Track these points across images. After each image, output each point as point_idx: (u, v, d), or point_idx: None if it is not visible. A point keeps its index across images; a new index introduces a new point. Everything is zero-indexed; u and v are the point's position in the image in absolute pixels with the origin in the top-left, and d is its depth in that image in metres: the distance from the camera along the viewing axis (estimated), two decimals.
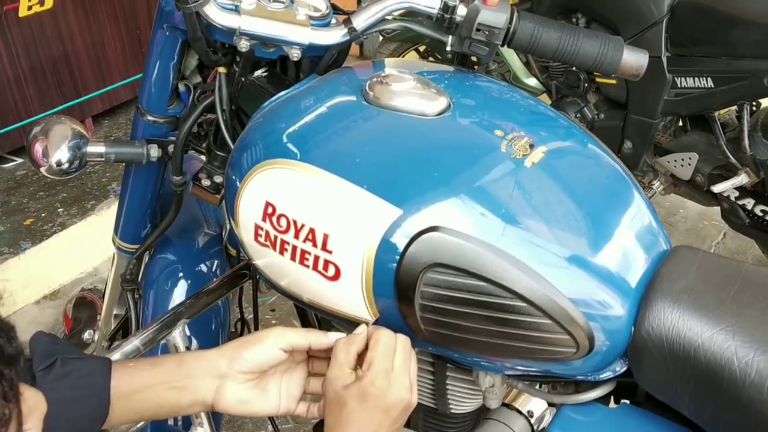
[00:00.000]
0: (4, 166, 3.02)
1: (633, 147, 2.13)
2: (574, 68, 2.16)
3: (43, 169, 0.97)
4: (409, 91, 0.81)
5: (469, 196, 0.72)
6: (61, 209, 2.79)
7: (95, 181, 2.95)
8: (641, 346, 0.72)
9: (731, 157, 1.93)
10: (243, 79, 0.94)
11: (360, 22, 0.88)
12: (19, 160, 3.03)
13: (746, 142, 1.87)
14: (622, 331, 0.73)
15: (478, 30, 0.84)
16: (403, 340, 0.73)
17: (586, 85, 2.17)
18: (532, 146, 0.77)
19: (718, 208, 2.14)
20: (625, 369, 0.77)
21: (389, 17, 0.90)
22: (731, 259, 0.79)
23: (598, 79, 2.16)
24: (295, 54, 0.86)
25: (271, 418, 1.24)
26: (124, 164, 1.13)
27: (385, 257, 0.71)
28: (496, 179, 0.74)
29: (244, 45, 0.85)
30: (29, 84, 2.89)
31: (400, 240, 0.70)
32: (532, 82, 2.62)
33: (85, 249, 2.52)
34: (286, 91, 0.89)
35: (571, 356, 0.73)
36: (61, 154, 0.96)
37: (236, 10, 0.83)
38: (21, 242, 2.58)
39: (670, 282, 0.73)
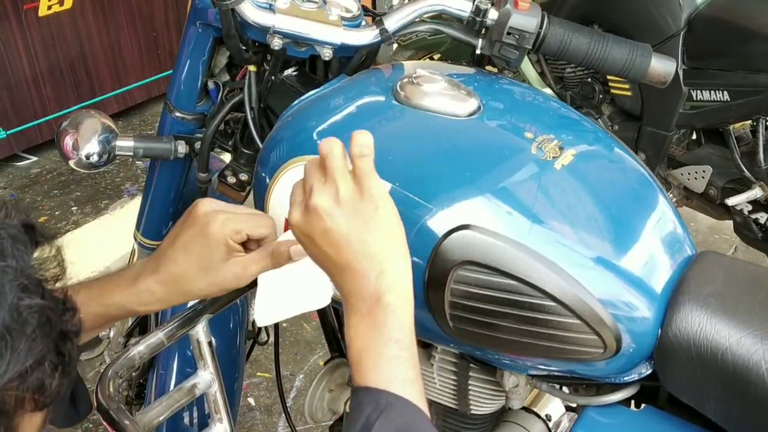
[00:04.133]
0: (18, 164, 3.04)
1: (647, 159, 2.13)
2: (589, 79, 2.18)
3: (72, 162, 0.98)
4: (440, 92, 0.82)
5: (501, 195, 0.72)
6: (75, 208, 2.80)
7: (109, 181, 2.97)
8: (668, 348, 0.72)
9: (745, 170, 1.93)
10: (273, 77, 0.95)
11: (392, 23, 0.89)
12: (34, 158, 3.05)
13: (761, 156, 1.87)
14: (649, 334, 0.74)
15: (509, 34, 0.85)
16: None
17: (600, 96, 2.18)
18: (561, 149, 0.78)
19: (729, 222, 2.13)
20: (649, 372, 0.77)
21: (419, 19, 0.91)
22: (758, 266, 0.79)
23: (612, 91, 2.16)
24: (326, 54, 0.87)
25: (288, 417, 1.24)
26: (139, 163, 1.15)
27: (415, 254, 0.72)
28: (527, 180, 0.75)
29: (277, 43, 0.86)
30: (46, 83, 2.91)
31: (431, 237, 0.71)
32: (546, 92, 2.63)
33: (98, 248, 2.53)
34: (316, 90, 0.90)
35: (598, 357, 0.73)
36: (91, 148, 0.97)
37: (271, 8, 0.85)
38: None
39: (698, 286, 0.74)
